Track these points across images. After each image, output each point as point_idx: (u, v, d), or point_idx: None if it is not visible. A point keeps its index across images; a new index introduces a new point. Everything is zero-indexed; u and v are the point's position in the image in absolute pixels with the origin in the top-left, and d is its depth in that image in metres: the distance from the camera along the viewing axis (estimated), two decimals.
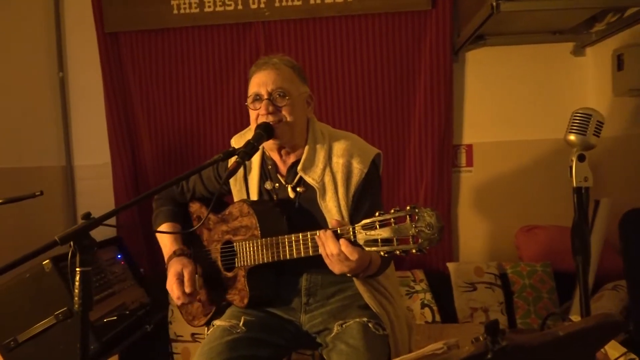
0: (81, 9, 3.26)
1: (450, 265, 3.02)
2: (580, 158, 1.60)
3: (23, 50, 3.12)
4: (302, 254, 1.51)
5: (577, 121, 1.60)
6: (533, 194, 3.15)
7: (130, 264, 2.41)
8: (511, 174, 3.16)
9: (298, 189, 1.68)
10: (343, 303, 1.69)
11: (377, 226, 1.33)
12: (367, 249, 1.37)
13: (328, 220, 1.62)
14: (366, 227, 1.36)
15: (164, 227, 1.84)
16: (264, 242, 1.58)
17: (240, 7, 3.10)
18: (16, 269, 1.23)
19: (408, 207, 1.28)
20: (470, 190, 3.20)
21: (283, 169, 1.72)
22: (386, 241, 1.31)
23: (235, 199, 1.78)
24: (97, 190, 3.35)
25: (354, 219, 1.60)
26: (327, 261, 1.45)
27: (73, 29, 3.34)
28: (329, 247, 1.41)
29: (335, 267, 1.44)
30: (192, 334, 2.83)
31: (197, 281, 1.75)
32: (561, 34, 3.03)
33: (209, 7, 3.13)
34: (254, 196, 1.74)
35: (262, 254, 1.58)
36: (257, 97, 1.63)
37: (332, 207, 1.62)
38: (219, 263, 1.74)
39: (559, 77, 3.12)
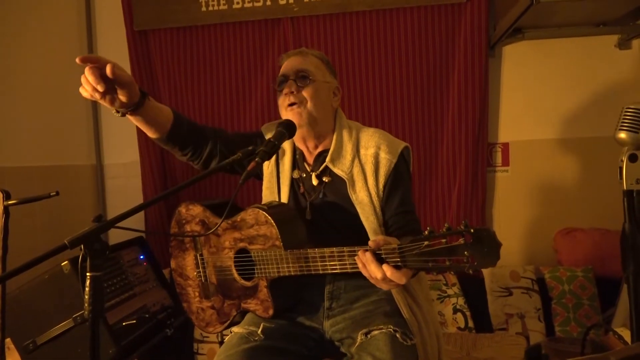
0: (111, 8, 3.29)
1: (485, 269, 2.90)
2: (632, 158, 1.46)
3: (55, 49, 3.13)
4: (338, 271, 1.42)
5: (629, 117, 1.46)
6: (573, 195, 3.00)
7: (153, 265, 2.36)
8: (550, 174, 3.02)
9: (323, 179, 1.65)
10: (367, 309, 1.61)
11: (427, 244, 1.21)
12: (415, 269, 1.29)
13: (360, 212, 1.58)
14: (414, 248, 1.23)
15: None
16: (289, 254, 1.50)
17: (268, 3, 3.06)
18: (37, 270, 1.19)
19: (462, 226, 1.17)
20: (506, 190, 3.07)
21: (310, 158, 1.71)
22: (437, 262, 1.20)
23: (265, 184, 1.76)
24: (126, 189, 3.38)
25: (385, 211, 1.61)
26: (371, 280, 1.35)
27: (103, 28, 3.38)
28: (372, 272, 1.31)
29: (383, 287, 1.37)
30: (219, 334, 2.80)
31: (209, 287, 1.69)
32: (605, 26, 2.85)
33: (237, 3, 3.09)
34: (284, 183, 1.71)
35: (289, 267, 1.50)
36: (283, 79, 1.65)
37: (363, 198, 1.59)
38: (234, 271, 1.66)
39: (602, 71, 2.95)
